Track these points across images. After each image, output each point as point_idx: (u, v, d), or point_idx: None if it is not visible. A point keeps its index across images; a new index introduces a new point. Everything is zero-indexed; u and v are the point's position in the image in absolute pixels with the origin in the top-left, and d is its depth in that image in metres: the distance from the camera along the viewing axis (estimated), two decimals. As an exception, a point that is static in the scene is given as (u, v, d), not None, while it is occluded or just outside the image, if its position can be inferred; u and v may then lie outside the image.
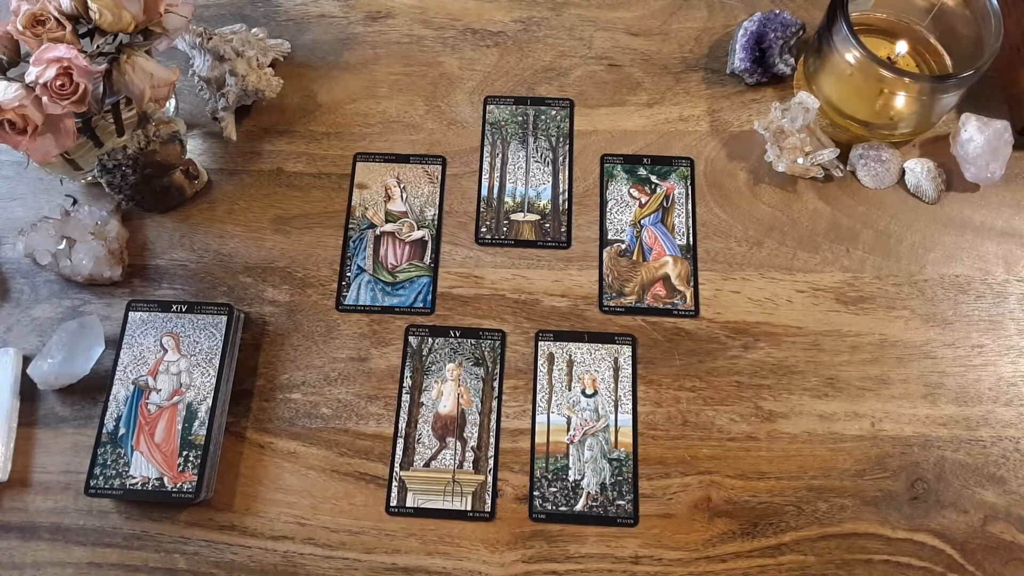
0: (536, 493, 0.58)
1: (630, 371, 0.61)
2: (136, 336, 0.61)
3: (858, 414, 0.60)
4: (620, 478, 0.58)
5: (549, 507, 0.57)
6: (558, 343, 0.62)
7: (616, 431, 0.59)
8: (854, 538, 0.56)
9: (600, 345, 0.62)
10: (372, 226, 0.67)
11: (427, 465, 0.59)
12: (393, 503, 0.58)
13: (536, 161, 0.69)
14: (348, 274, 0.65)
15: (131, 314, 0.61)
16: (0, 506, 0.58)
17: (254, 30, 0.71)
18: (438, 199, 0.68)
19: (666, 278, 0.64)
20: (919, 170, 0.67)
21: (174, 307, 0.61)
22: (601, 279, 0.65)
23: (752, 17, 0.71)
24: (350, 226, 0.67)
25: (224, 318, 0.61)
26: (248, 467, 0.59)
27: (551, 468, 0.58)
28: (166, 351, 0.60)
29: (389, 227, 0.67)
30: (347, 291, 0.64)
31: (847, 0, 0.62)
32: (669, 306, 0.63)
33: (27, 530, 0.57)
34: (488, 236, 0.66)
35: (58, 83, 0.53)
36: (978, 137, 0.65)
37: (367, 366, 0.62)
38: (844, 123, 0.68)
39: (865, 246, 0.66)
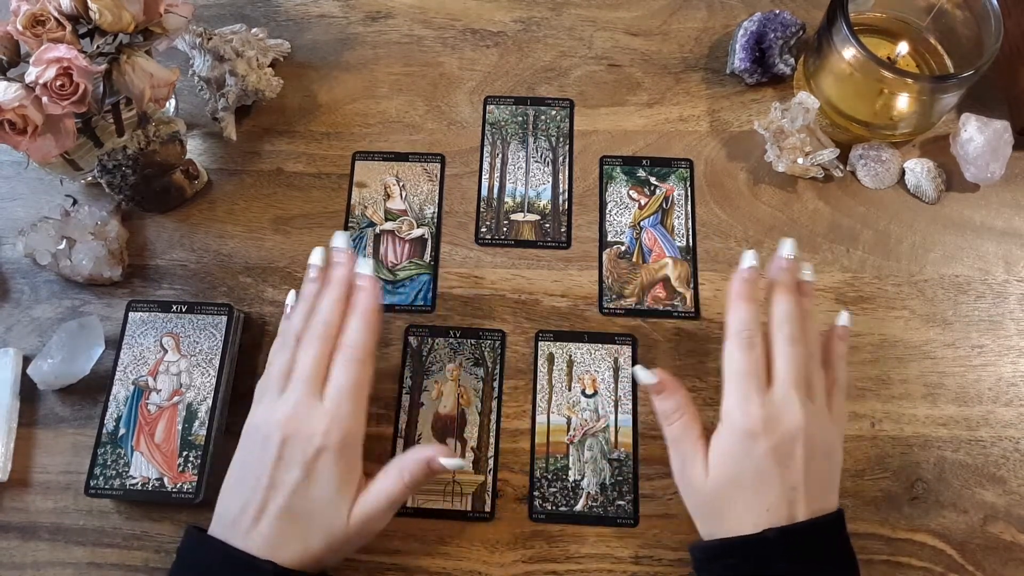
0: (536, 493, 0.58)
1: (630, 371, 0.61)
2: (136, 336, 0.61)
3: (858, 414, 0.60)
4: (620, 478, 0.58)
5: (549, 507, 0.57)
6: (558, 343, 0.62)
7: (616, 431, 0.59)
8: (854, 538, 0.56)
9: (600, 345, 0.62)
10: (372, 224, 0.67)
11: (427, 465, 0.59)
12: (393, 503, 0.58)
13: (536, 161, 0.69)
14: (348, 274, 0.65)
15: (131, 314, 0.61)
16: (0, 506, 0.58)
17: (254, 30, 0.71)
18: (437, 197, 0.68)
19: (666, 280, 0.64)
20: (919, 170, 0.67)
21: (174, 307, 0.61)
22: (601, 281, 0.65)
23: (752, 17, 0.71)
24: (350, 224, 0.67)
25: (224, 318, 0.61)
26: (248, 467, 0.59)
27: (551, 468, 0.59)
28: (166, 351, 0.60)
29: (389, 225, 0.67)
30: (347, 291, 0.64)
31: (847, 0, 0.62)
32: (669, 308, 0.63)
33: (27, 530, 0.57)
34: (488, 236, 0.66)
35: (58, 83, 0.53)
36: (978, 137, 0.65)
37: (367, 366, 0.62)
38: (844, 123, 0.68)
39: (865, 246, 0.66)
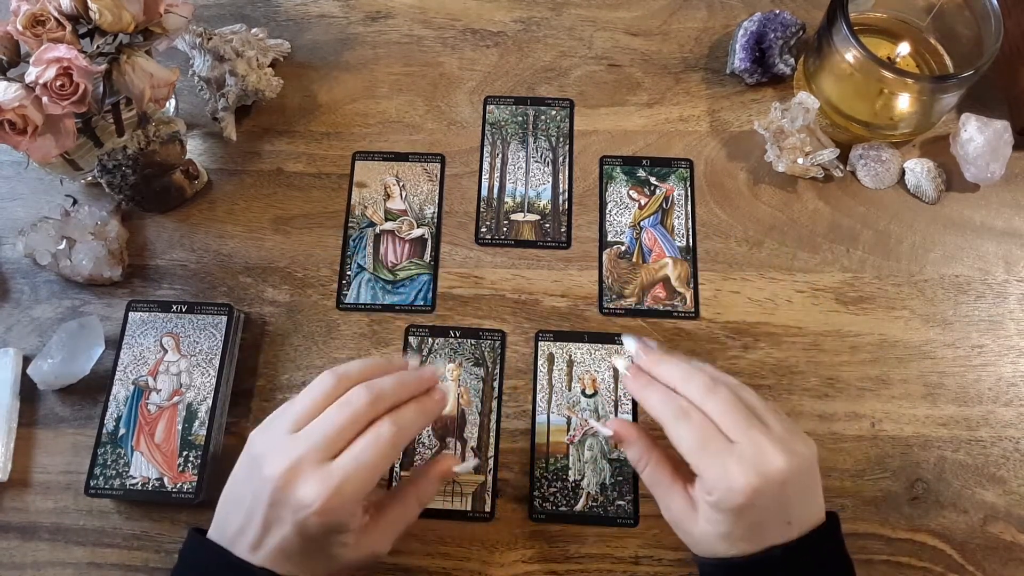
0: (536, 493, 0.58)
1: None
2: (136, 336, 0.61)
3: (858, 414, 0.60)
4: (620, 478, 0.58)
5: (549, 507, 0.57)
6: (558, 343, 0.62)
7: (616, 431, 0.59)
8: (854, 538, 0.56)
9: (600, 345, 0.62)
10: (372, 224, 0.67)
11: (427, 465, 0.59)
12: (393, 503, 0.58)
13: (536, 161, 0.69)
14: (348, 273, 0.65)
15: (131, 314, 0.61)
16: (0, 506, 0.58)
17: (254, 30, 0.71)
18: (437, 197, 0.68)
19: (666, 280, 0.64)
20: (919, 170, 0.67)
21: (174, 307, 0.61)
22: (601, 281, 0.65)
23: (752, 17, 0.71)
24: (350, 224, 0.67)
25: (224, 318, 0.61)
26: (248, 467, 0.59)
27: (551, 468, 0.58)
28: (166, 351, 0.60)
29: (389, 225, 0.67)
30: (347, 290, 0.64)
31: (847, 0, 0.62)
32: (669, 308, 0.63)
33: (27, 530, 0.57)
34: (488, 236, 0.66)
35: (58, 83, 0.53)
36: (978, 137, 0.65)
37: (367, 366, 0.62)
38: (844, 123, 0.68)
39: (865, 246, 0.66)
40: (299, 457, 0.42)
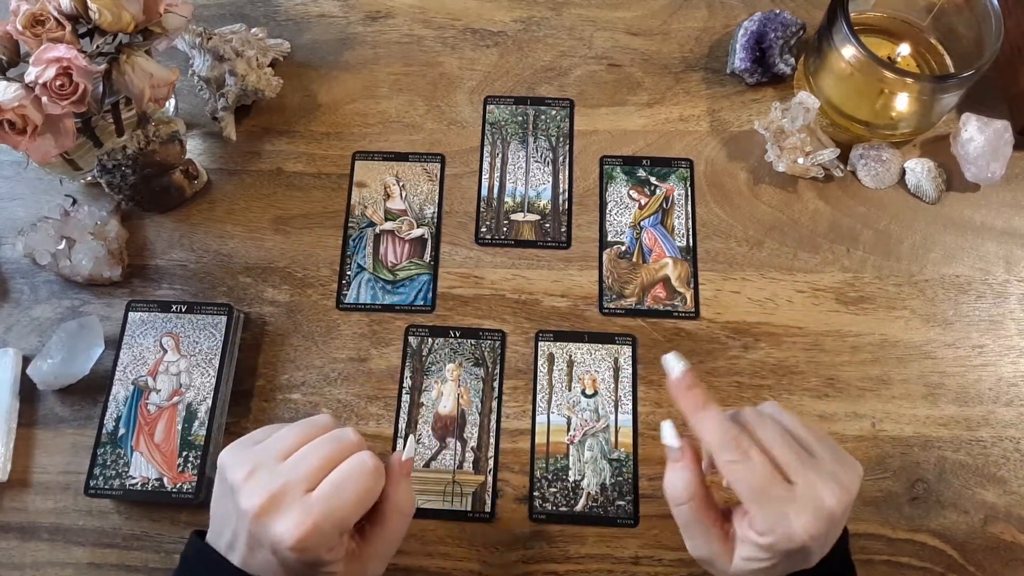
0: (536, 494, 0.58)
1: (630, 371, 0.61)
2: (136, 336, 0.60)
3: (858, 414, 0.60)
4: (620, 478, 0.58)
5: (549, 507, 0.57)
6: (558, 343, 0.62)
7: (616, 431, 0.59)
8: (854, 538, 0.56)
9: (600, 345, 0.62)
10: (371, 224, 0.67)
11: (427, 466, 0.59)
12: (393, 503, 0.58)
13: (536, 161, 0.69)
14: (348, 273, 0.65)
15: (131, 314, 0.61)
16: (0, 506, 0.58)
17: (254, 30, 0.71)
18: (437, 197, 0.68)
19: (666, 280, 0.64)
20: (919, 170, 0.67)
21: (174, 307, 0.61)
22: (601, 281, 0.65)
23: (752, 17, 0.71)
24: (349, 224, 0.67)
25: (224, 318, 0.61)
26: (248, 467, 0.59)
27: (551, 468, 0.58)
28: (166, 351, 0.60)
29: (388, 225, 0.67)
30: (347, 290, 0.64)
31: (847, 0, 0.62)
32: (669, 308, 0.63)
33: (27, 530, 0.57)
34: (488, 236, 0.66)
35: (58, 83, 0.53)
36: (978, 137, 0.65)
37: (367, 366, 0.62)
38: (844, 123, 0.68)
39: (865, 246, 0.65)
40: (280, 487, 0.40)
